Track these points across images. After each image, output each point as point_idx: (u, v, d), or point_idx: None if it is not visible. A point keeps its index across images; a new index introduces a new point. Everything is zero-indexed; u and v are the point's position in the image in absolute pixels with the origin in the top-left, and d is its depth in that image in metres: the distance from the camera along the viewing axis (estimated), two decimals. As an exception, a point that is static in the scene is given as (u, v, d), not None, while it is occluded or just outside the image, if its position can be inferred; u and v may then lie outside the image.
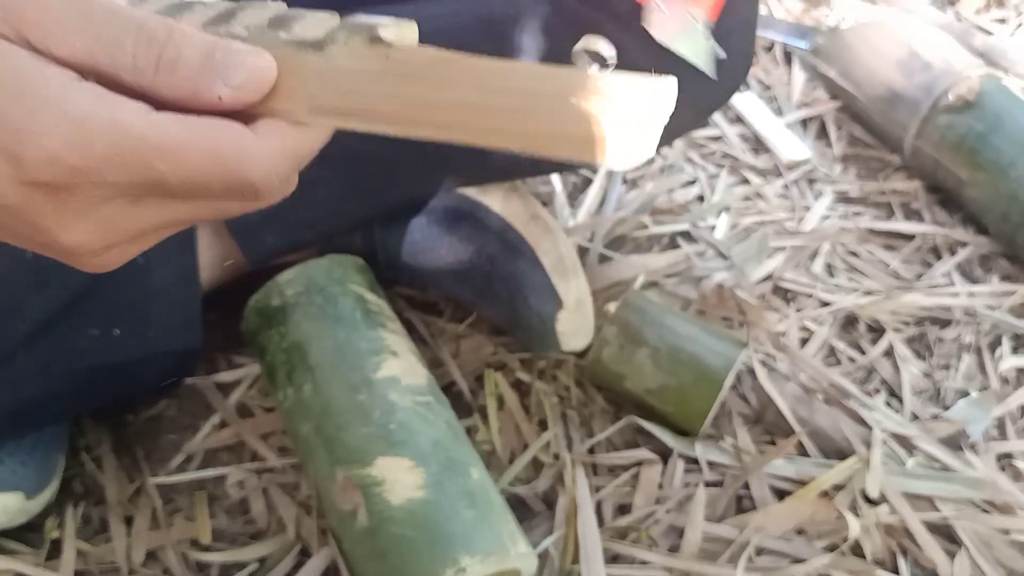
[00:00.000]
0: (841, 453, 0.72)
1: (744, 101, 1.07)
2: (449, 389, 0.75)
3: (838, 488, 0.69)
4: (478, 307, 0.77)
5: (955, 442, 0.73)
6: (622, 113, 0.29)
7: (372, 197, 0.70)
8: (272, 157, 0.31)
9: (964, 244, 0.91)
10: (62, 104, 0.28)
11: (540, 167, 0.79)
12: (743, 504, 0.69)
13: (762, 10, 1.21)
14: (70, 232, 0.31)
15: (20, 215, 0.30)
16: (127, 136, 0.29)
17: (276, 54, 0.31)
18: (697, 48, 0.37)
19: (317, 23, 0.32)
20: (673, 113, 0.78)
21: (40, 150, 0.28)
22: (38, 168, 0.29)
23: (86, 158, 0.29)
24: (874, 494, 0.68)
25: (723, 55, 0.36)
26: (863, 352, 0.81)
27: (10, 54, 0.29)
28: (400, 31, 0.32)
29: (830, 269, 0.89)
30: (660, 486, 0.70)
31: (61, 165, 0.29)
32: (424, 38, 0.67)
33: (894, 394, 0.78)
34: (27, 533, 0.66)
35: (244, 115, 0.31)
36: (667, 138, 0.79)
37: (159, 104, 0.30)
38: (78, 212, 0.30)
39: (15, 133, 0.28)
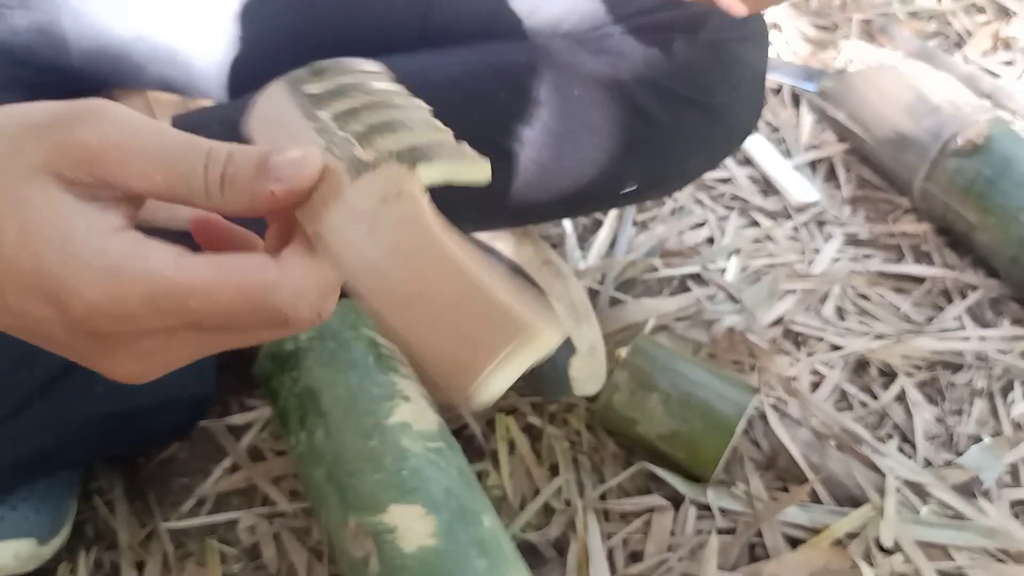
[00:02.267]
0: (854, 500, 0.71)
1: (753, 143, 1.08)
2: (460, 433, 0.76)
3: (852, 536, 0.69)
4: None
5: (968, 489, 0.73)
6: (523, 359, 0.29)
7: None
8: (298, 286, 0.32)
9: (975, 287, 0.91)
10: (100, 257, 0.31)
11: (554, 213, 0.80)
12: (756, 552, 0.69)
13: (770, 53, 1.22)
14: (112, 365, 0.34)
15: (68, 351, 0.33)
16: (159, 283, 0.31)
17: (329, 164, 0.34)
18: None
19: (422, 130, 0.34)
20: (686, 159, 0.78)
21: (81, 301, 0.31)
22: (82, 318, 0.31)
23: (124, 306, 0.31)
24: (888, 543, 0.68)
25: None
26: (875, 397, 0.81)
27: (57, 207, 0.31)
28: (461, 167, 0.34)
29: (840, 312, 0.89)
30: (672, 533, 0.69)
31: (102, 314, 0.31)
32: (439, 88, 0.67)
33: (906, 439, 0.77)
34: (39, 579, 0.66)
35: (285, 236, 0.34)
36: (680, 183, 0.80)
37: (228, 217, 0.33)
38: (119, 349, 0.33)
39: (60, 283, 0.31)
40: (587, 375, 0.75)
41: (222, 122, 0.65)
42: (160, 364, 0.34)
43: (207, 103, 0.74)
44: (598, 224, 0.96)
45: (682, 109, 0.68)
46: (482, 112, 0.66)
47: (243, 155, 0.33)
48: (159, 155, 0.32)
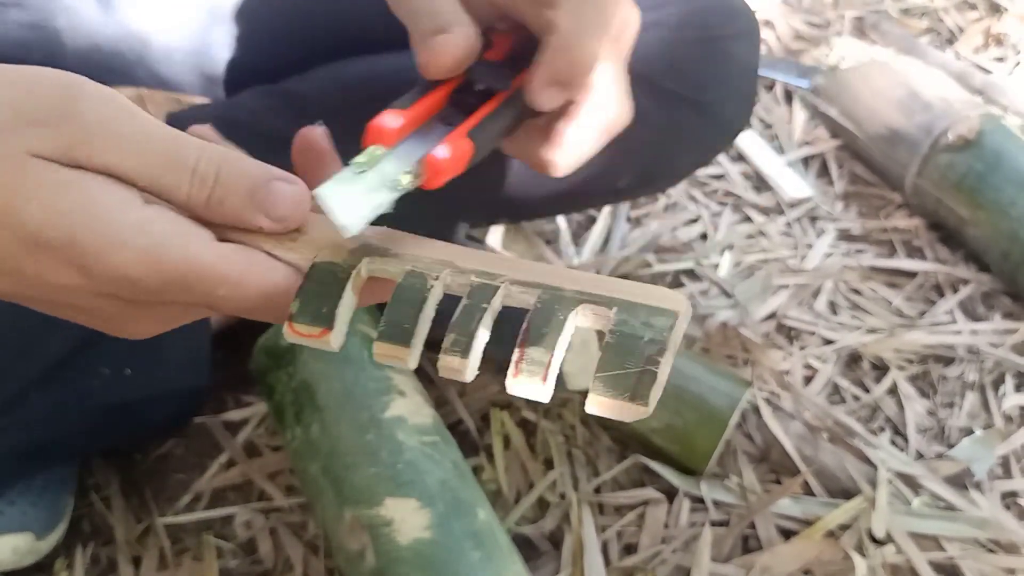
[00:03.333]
0: (846, 492, 0.72)
1: (746, 140, 1.08)
2: (455, 428, 0.76)
3: (844, 528, 0.69)
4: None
5: (960, 481, 0.74)
6: None
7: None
8: None
9: (966, 282, 0.92)
10: (140, 236, 0.31)
11: (548, 209, 0.80)
12: (749, 544, 0.70)
13: (762, 49, 1.23)
14: (131, 327, 0.35)
15: (91, 316, 0.34)
16: (197, 265, 0.32)
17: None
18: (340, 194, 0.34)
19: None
20: (678, 156, 0.79)
21: (112, 268, 0.31)
22: (109, 283, 0.32)
23: (157, 279, 0.32)
24: (880, 534, 0.68)
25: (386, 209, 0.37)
26: (867, 390, 0.81)
27: (78, 180, 0.31)
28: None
29: (833, 307, 0.89)
30: (666, 525, 0.70)
31: (130, 282, 0.32)
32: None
33: (899, 432, 0.78)
34: (37, 574, 0.66)
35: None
36: (672, 179, 0.80)
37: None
38: (140, 313, 0.34)
39: (86, 250, 0.31)
40: (579, 369, 0.75)
41: (217, 120, 0.65)
42: (171, 326, 0.36)
43: (202, 101, 0.74)
44: (592, 220, 0.97)
45: (675, 106, 0.69)
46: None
47: (234, 176, 0.33)
48: (142, 162, 0.32)
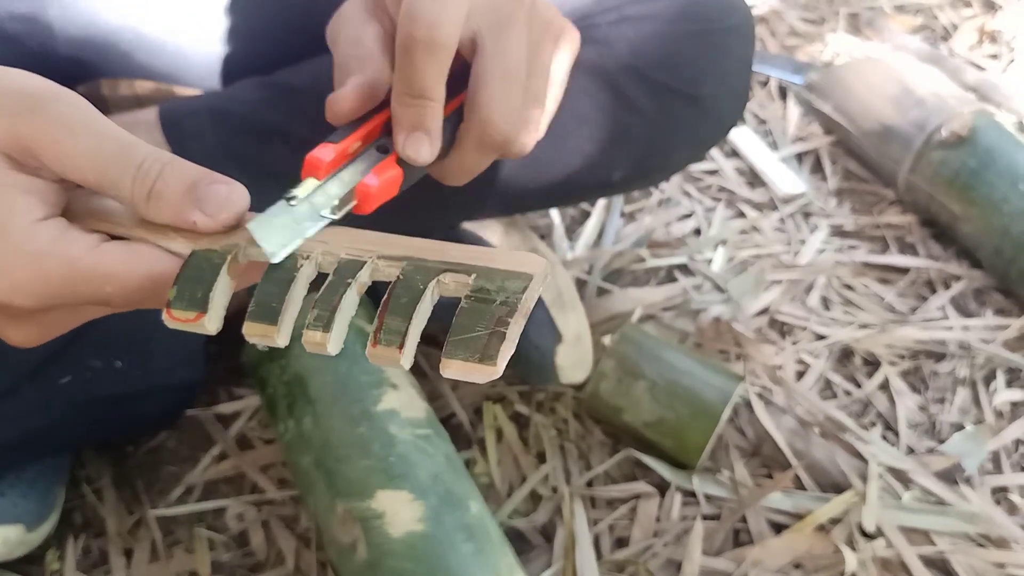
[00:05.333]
0: (837, 487, 0.72)
1: (740, 135, 1.08)
2: (448, 421, 0.76)
3: (835, 522, 0.69)
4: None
5: (951, 476, 0.74)
6: None
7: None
8: None
9: (958, 278, 0.92)
10: (25, 244, 0.34)
11: (542, 202, 0.80)
12: (740, 538, 0.70)
13: (757, 45, 1.23)
14: (17, 333, 0.37)
15: None
16: (79, 268, 0.34)
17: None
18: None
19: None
20: (672, 150, 0.78)
21: (5, 281, 0.34)
22: (7, 295, 0.35)
23: (46, 288, 0.34)
24: (870, 528, 0.69)
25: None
26: (859, 385, 0.82)
27: (4, 187, 0.34)
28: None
29: (826, 302, 0.90)
30: (658, 519, 0.70)
31: (26, 294, 0.35)
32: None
33: (890, 427, 0.78)
34: (27, 565, 0.66)
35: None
36: (666, 173, 0.80)
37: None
38: (28, 319, 0.37)
39: None
40: (573, 363, 0.75)
41: (210, 111, 0.65)
42: (57, 332, 0.39)
43: (194, 92, 0.74)
44: (586, 215, 0.97)
45: (668, 99, 0.69)
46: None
47: (175, 173, 0.35)
48: (93, 156, 0.35)
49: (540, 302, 0.75)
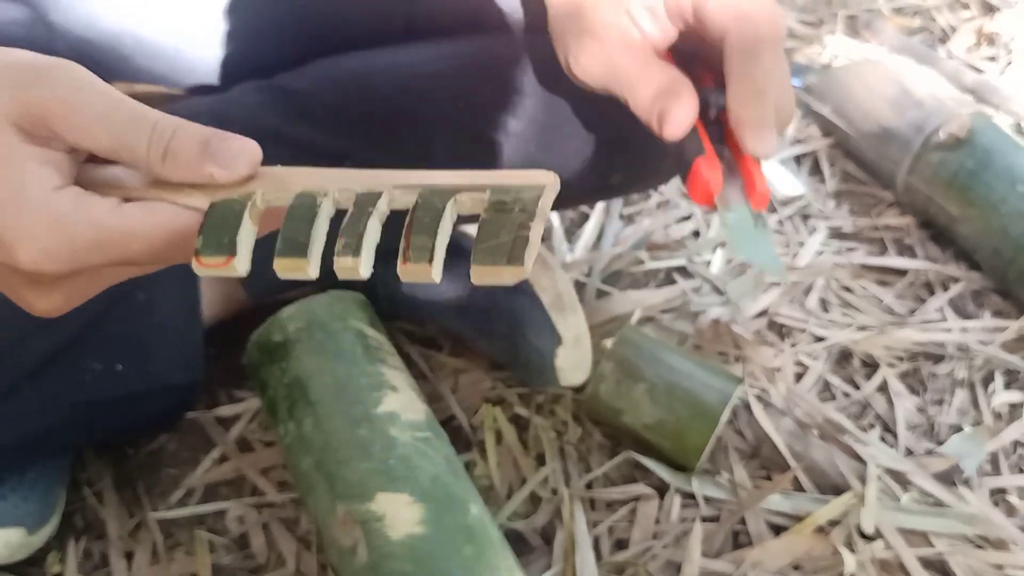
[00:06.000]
0: (836, 488, 0.72)
1: (739, 137, 1.08)
2: (448, 423, 0.76)
3: (833, 524, 0.70)
4: (477, 342, 0.78)
5: (949, 477, 0.74)
6: None
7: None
8: None
9: (956, 280, 0.92)
10: (47, 211, 0.35)
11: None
12: (739, 539, 0.70)
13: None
14: (43, 301, 0.38)
15: (4, 288, 0.38)
16: (104, 228, 0.35)
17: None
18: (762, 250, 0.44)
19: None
20: (668, 153, 0.79)
21: (34, 249, 0.35)
22: (35, 262, 0.35)
23: (74, 251, 0.35)
24: (869, 530, 0.69)
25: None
26: (857, 387, 0.82)
27: (16, 159, 0.35)
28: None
29: (824, 304, 0.90)
30: (657, 521, 0.70)
31: (54, 259, 0.35)
32: (425, 81, 0.68)
33: (888, 429, 0.78)
34: (29, 568, 0.66)
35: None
36: (664, 177, 0.80)
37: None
38: (53, 287, 0.37)
39: (9, 230, 0.35)
40: (572, 365, 0.75)
41: (211, 114, 0.65)
42: (82, 298, 0.39)
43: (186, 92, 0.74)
44: (585, 217, 0.97)
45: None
46: (468, 105, 0.67)
47: (188, 132, 0.36)
48: (108, 121, 0.35)
49: (539, 304, 0.75)
